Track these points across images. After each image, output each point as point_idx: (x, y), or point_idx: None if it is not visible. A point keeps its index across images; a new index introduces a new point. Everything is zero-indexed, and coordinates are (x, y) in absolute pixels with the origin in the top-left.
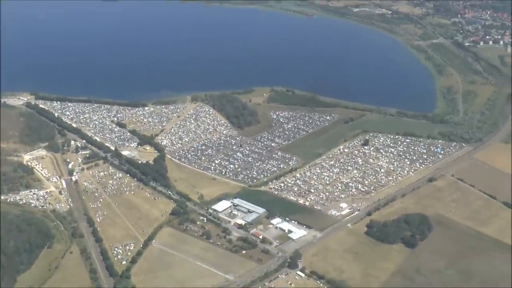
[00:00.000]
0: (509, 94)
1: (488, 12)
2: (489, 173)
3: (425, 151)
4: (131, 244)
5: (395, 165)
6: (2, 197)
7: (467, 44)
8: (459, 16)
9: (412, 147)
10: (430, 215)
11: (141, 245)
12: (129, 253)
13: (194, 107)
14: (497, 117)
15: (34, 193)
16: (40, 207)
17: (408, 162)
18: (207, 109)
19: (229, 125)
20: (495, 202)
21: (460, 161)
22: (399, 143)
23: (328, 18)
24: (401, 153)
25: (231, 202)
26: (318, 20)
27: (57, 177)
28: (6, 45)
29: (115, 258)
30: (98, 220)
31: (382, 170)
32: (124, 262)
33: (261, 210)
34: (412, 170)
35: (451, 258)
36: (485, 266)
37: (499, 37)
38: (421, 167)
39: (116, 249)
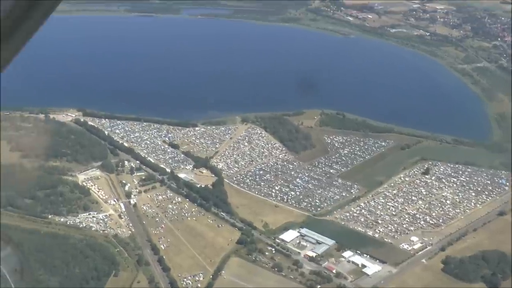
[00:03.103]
0: None
1: None
2: None
3: (489, 182)
4: (200, 274)
5: (460, 196)
6: (62, 219)
7: None
8: (499, 39)
9: (475, 178)
10: (507, 252)
11: (211, 276)
12: (199, 285)
13: (246, 128)
14: None
15: (93, 216)
16: (101, 231)
17: (473, 194)
18: (259, 131)
19: (284, 149)
20: None
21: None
22: (460, 172)
23: (365, 38)
24: (464, 184)
25: (298, 232)
26: (356, 39)
27: (115, 199)
28: (44, 60)
29: None
30: (163, 248)
31: (448, 202)
32: None
33: (330, 242)
34: (479, 202)
35: None
36: None
37: None
38: (488, 199)
39: (185, 279)
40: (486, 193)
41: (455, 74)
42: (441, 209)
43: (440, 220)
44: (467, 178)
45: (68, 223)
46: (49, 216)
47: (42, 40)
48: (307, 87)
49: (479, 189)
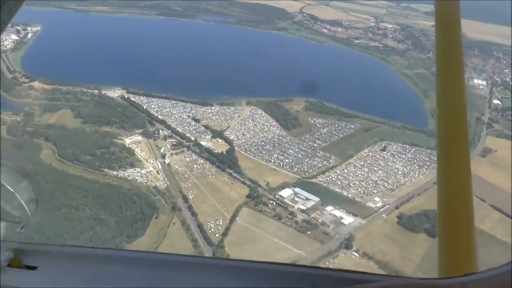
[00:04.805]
0: (477, 118)
1: None
2: (475, 181)
3: (427, 158)
4: (220, 219)
5: (408, 168)
6: (114, 173)
7: None
8: (431, 52)
9: (418, 155)
10: None
11: (228, 221)
12: (219, 227)
13: (250, 109)
14: (472, 135)
15: (138, 171)
16: (144, 183)
17: (417, 167)
18: (260, 112)
19: (279, 126)
20: (484, 204)
21: None
22: (407, 151)
23: (336, 45)
24: (410, 159)
25: (292, 190)
26: (329, 46)
27: (153, 159)
28: (97, 48)
29: (209, 231)
30: (191, 198)
31: (399, 172)
32: (217, 235)
33: (316, 199)
34: (421, 174)
35: None
36: (488, 257)
37: None
38: (427, 172)
39: (209, 222)
40: (425, 167)
41: (401, 77)
42: (395, 177)
43: (395, 186)
44: (413, 155)
45: (119, 176)
46: (105, 170)
47: (92, 33)
48: (295, 80)
49: (421, 163)
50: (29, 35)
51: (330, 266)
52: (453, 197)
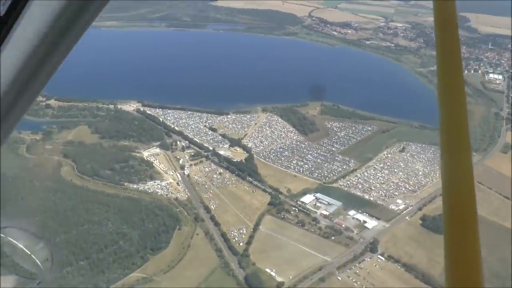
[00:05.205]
0: (495, 113)
1: (464, 47)
2: (498, 178)
3: None
4: (243, 228)
5: (429, 169)
6: (134, 186)
7: None
8: None
9: (437, 154)
10: None
11: (252, 230)
12: (243, 236)
13: (266, 116)
14: (492, 131)
15: (158, 184)
16: (165, 195)
17: (438, 167)
18: (276, 119)
19: (296, 132)
20: (509, 202)
21: (476, 167)
22: (427, 150)
23: (347, 48)
24: (430, 159)
25: (314, 196)
26: (340, 49)
27: (173, 171)
28: (108, 63)
29: (233, 240)
30: (213, 208)
31: (420, 173)
32: (241, 244)
33: (338, 203)
34: None
35: (488, 248)
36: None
37: (477, 67)
38: None
39: (232, 232)
40: None
41: (415, 76)
42: (415, 179)
43: (416, 187)
44: (432, 155)
45: (139, 189)
46: (125, 184)
47: (103, 48)
48: (309, 85)
49: None
50: None
51: (357, 271)
52: (457, 202)
